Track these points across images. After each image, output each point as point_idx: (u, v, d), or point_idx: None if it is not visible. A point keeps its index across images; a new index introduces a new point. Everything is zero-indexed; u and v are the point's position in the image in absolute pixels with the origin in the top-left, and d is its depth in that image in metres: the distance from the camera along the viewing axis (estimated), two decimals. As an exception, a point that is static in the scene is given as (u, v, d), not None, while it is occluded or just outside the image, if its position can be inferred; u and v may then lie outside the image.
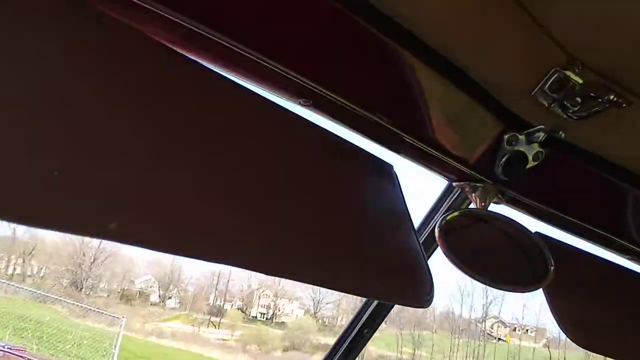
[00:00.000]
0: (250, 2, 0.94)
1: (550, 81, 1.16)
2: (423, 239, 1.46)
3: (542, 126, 1.20)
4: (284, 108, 1.07)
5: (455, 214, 1.19)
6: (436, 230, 1.20)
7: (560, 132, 1.16)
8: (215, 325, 37.86)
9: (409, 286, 1.05)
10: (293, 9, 0.97)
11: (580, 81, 1.16)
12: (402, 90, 1.12)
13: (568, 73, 1.15)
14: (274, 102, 1.05)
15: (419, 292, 1.04)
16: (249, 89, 1.02)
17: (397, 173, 1.25)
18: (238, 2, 0.92)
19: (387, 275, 1.01)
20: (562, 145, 1.27)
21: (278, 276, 0.89)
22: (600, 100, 1.12)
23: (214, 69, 0.98)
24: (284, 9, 0.96)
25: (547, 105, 1.19)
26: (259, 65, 0.97)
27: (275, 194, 0.97)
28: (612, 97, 1.09)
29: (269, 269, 0.88)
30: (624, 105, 1.10)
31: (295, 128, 1.08)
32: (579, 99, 1.15)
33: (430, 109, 1.16)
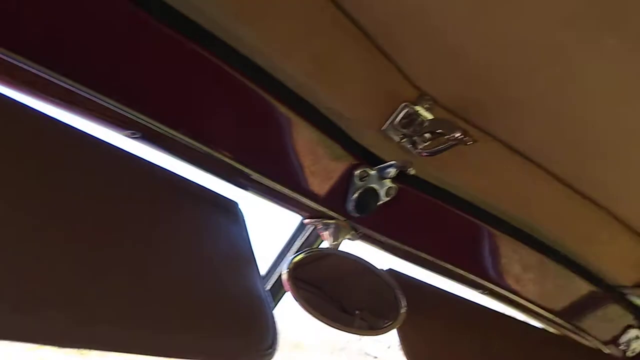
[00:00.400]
0: (67, 28, 0.79)
1: (400, 116, 1.12)
2: (275, 280, 1.36)
3: (394, 162, 1.15)
4: (109, 144, 0.93)
5: (302, 255, 1.11)
6: (283, 273, 1.10)
7: (411, 169, 1.13)
8: None
9: (246, 339, 0.93)
10: (116, 35, 0.83)
11: (430, 117, 1.13)
12: (246, 124, 1.02)
13: (417, 108, 1.13)
14: (97, 138, 0.91)
15: (256, 345, 0.92)
16: (64, 123, 0.87)
17: (242, 211, 1.14)
18: (52, 27, 0.77)
19: (220, 331, 0.89)
20: (414, 180, 1.25)
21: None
22: (447, 137, 1.10)
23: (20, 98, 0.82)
24: (105, 35, 0.82)
25: (397, 140, 1.15)
26: (74, 94, 0.82)
27: (94, 242, 0.81)
28: (458, 135, 1.07)
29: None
30: (469, 143, 1.08)
31: (123, 165, 0.93)
32: (427, 135, 1.12)
33: (278, 143, 1.07)
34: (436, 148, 1.13)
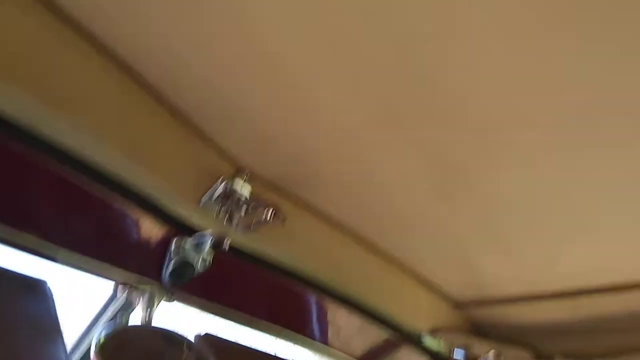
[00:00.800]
0: None
1: (218, 190, 1.16)
2: (85, 351, 1.30)
3: (209, 234, 1.19)
4: None
5: (110, 334, 1.08)
6: (92, 349, 1.07)
7: (227, 240, 1.17)
8: None
9: None
10: None
11: (247, 190, 1.19)
12: (56, 205, 0.99)
13: (235, 183, 1.18)
14: None
15: None
16: None
17: (51, 289, 1.10)
18: None
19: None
20: (230, 249, 1.29)
21: None
22: (261, 213, 1.16)
23: None
24: None
25: (215, 213, 1.19)
26: None
27: None
28: (271, 212, 1.14)
29: None
30: (282, 220, 1.16)
31: None
32: (244, 210, 1.18)
33: (92, 220, 1.06)
34: (250, 224, 1.18)
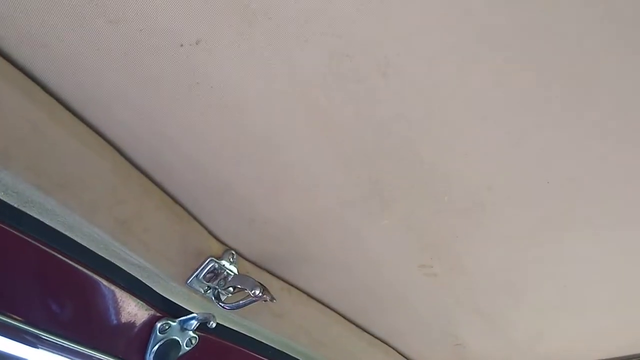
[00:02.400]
0: None
1: (206, 270, 1.18)
2: None
3: (196, 314, 1.19)
4: None
5: None
6: None
7: (212, 322, 1.17)
8: None
9: None
10: None
11: (235, 270, 1.21)
12: (41, 287, 0.99)
13: (223, 262, 1.20)
14: None
15: None
16: None
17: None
18: None
19: None
20: (216, 328, 1.28)
21: None
22: (248, 292, 1.17)
23: None
24: None
25: (202, 292, 1.20)
26: None
27: None
28: (258, 292, 1.15)
29: None
30: (268, 300, 1.17)
31: None
32: (231, 289, 1.19)
33: (77, 303, 1.05)
34: (237, 302, 1.19)
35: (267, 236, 1.22)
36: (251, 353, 1.39)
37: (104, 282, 1.06)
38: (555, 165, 0.94)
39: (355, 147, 0.93)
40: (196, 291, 1.20)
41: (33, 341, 1.04)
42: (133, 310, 1.13)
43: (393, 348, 1.65)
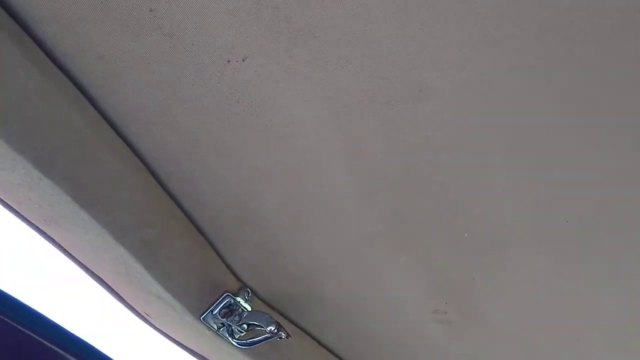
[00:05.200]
0: None
1: (221, 306, 1.17)
2: None
3: None
4: None
5: None
6: None
7: None
8: None
9: None
10: None
11: (249, 308, 1.20)
12: None
13: (238, 299, 1.19)
14: None
15: None
16: None
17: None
18: None
19: None
20: None
21: None
22: (264, 329, 1.16)
23: None
24: None
25: (215, 329, 1.18)
26: None
27: None
28: (273, 328, 1.14)
29: None
30: (283, 337, 1.15)
31: None
32: (245, 326, 1.17)
33: None
34: (252, 339, 1.17)
35: (284, 273, 1.22)
36: None
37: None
38: (574, 204, 0.96)
39: (383, 177, 0.95)
40: (209, 327, 1.17)
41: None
42: None
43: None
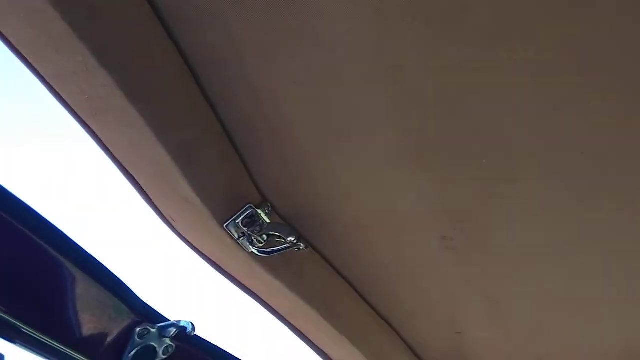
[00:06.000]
0: None
1: (243, 216, 1.22)
2: None
3: (174, 321, 1.21)
4: None
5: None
6: None
7: (191, 330, 1.19)
8: None
9: None
10: None
11: (268, 221, 1.26)
12: (20, 276, 0.99)
13: (259, 211, 1.25)
14: None
15: None
16: None
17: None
18: None
19: None
20: (193, 340, 1.30)
21: None
22: (284, 240, 1.22)
23: None
24: None
25: (236, 237, 1.23)
26: None
27: None
28: (293, 239, 1.20)
29: None
30: (302, 248, 1.22)
31: None
32: (265, 237, 1.23)
33: (58, 298, 1.04)
34: (270, 249, 1.24)
35: (304, 192, 1.28)
36: None
37: (88, 280, 1.06)
38: (589, 138, 1.02)
39: (414, 94, 0.98)
40: (231, 235, 1.23)
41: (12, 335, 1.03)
42: (114, 314, 1.13)
43: (395, 330, 1.70)
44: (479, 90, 0.95)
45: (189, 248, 1.33)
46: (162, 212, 1.23)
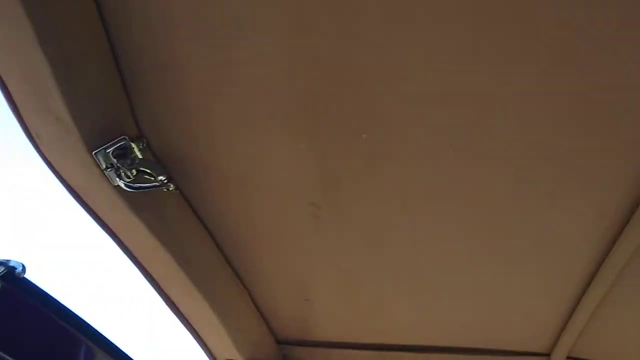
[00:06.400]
0: None
1: (117, 146, 1.18)
2: None
3: (5, 260, 1.17)
4: None
5: None
6: None
7: (20, 271, 1.15)
8: None
9: None
10: None
11: (140, 156, 1.23)
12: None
13: (133, 145, 1.21)
14: None
15: None
16: None
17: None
18: None
19: None
20: (21, 282, 1.26)
21: None
22: (152, 178, 1.20)
23: None
24: None
25: (103, 167, 1.19)
26: None
27: None
28: (163, 178, 1.19)
29: None
30: (170, 189, 1.21)
31: None
32: (134, 172, 1.20)
33: None
34: (138, 185, 1.21)
35: (183, 135, 1.26)
36: (52, 316, 1.36)
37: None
38: (462, 132, 1.13)
39: (311, 57, 1.02)
40: (98, 164, 1.18)
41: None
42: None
43: (246, 288, 1.74)
44: (379, 68, 1.01)
45: (49, 170, 1.26)
46: (28, 127, 1.15)
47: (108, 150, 1.18)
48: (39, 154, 1.21)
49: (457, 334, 1.81)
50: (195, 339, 1.82)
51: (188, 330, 1.78)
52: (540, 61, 0.95)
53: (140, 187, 1.21)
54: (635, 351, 1.67)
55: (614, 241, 1.30)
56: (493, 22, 0.90)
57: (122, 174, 1.20)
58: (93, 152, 1.16)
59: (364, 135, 1.16)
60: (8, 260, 1.14)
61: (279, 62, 1.05)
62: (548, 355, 1.81)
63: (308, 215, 1.41)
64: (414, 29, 0.94)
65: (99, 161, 1.18)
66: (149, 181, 1.22)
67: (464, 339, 1.82)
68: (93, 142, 1.15)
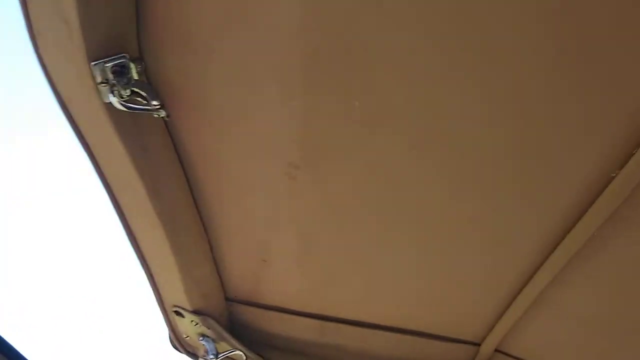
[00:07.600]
0: None
1: (115, 62, 1.19)
2: None
3: None
4: None
5: None
6: None
7: None
8: None
9: None
10: None
11: (137, 78, 1.24)
12: None
13: (132, 65, 1.22)
14: None
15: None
16: None
17: None
18: None
19: None
20: None
21: None
22: (145, 102, 1.22)
23: None
24: None
25: (98, 81, 1.19)
26: None
27: None
28: (156, 103, 1.20)
29: None
30: (162, 115, 1.23)
31: None
32: (129, 91, 1.21)
33: None
34: (129, 105, 1.22)
35: (181, 66, 1.27)
36: None
37: None
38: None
39: (326, 13, 1.06)
40: (93, 76, 1.19)
41: None
42: None
43: (208, 237, 1.75)
44: (384, 43, 1.06)
45: (39, 68, 1.25)
46: (32, 24, 1.14)
47: (107, 65, 1.18)
48: (35, 53, 1.21)
49: (397, 315, 1.88)
50: (148, 279, 1.83)
51: (144, 269, 1.78)
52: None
53: (130, 108, 1.22)
54: (563, 354, 1.76)
55: (556, 245, 1.37)
56: None
57: (115, 91, 1.21)
58: (91, 63, 1.16)
59: (357, 103, 1.20)
60: None
61: (292, 12, 1.08)
62: (478, 345, 1.89)
63: (284, 175, 1.44)
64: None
65: (95, 73, 1.18)
66: (142, 104, 1.23)
67: (403, 320, 1.89)
68: (93, 53, 1.16)
